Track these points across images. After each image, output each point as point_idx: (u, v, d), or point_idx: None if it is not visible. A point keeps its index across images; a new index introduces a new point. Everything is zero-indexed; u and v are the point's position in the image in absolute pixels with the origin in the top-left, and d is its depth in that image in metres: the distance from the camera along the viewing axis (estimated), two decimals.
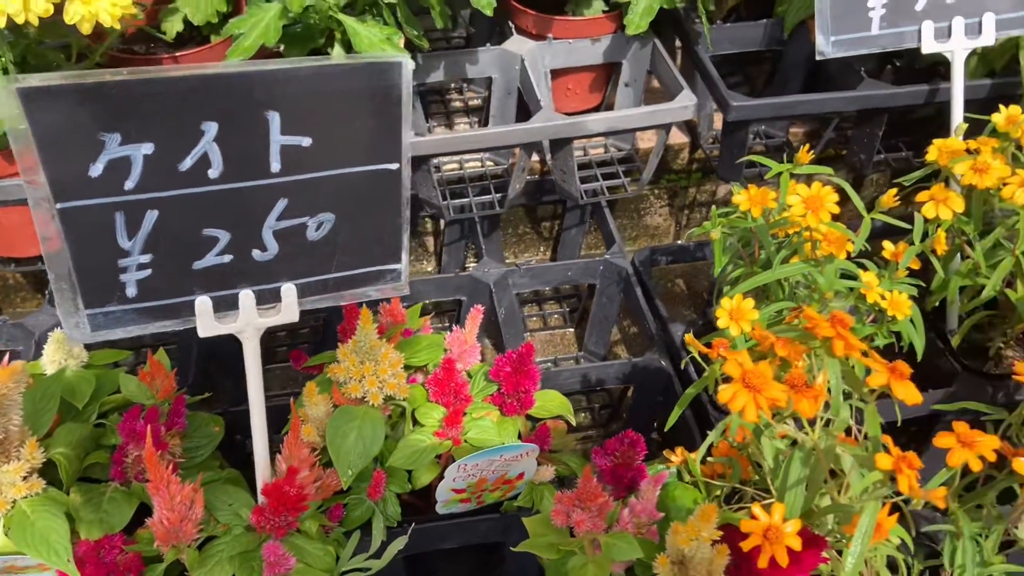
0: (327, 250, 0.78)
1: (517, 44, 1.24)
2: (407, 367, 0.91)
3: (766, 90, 1.47)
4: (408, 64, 0.73)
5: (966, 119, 1.09)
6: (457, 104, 1.50)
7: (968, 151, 0.96)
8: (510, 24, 1.28)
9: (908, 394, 0.65)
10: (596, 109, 1.39)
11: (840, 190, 0.88)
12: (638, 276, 1.21)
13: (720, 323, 0.78)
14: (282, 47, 1.05)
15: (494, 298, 1.18)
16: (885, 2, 1.11)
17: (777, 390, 0.64)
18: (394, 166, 0.77)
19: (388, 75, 0.72)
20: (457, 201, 1.30)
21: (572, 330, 1.43)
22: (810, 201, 0.85)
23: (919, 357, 0.88)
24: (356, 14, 1.04)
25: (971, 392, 0.99)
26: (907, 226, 0.94)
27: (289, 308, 0.78)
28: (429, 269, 1.49)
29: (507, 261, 1.47)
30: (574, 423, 0.95)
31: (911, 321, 0.89)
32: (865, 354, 0.68)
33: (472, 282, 1.20)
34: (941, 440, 0.66)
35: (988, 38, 1.07)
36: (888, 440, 0.67)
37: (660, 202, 1.48)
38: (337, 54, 1.03)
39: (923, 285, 0.95)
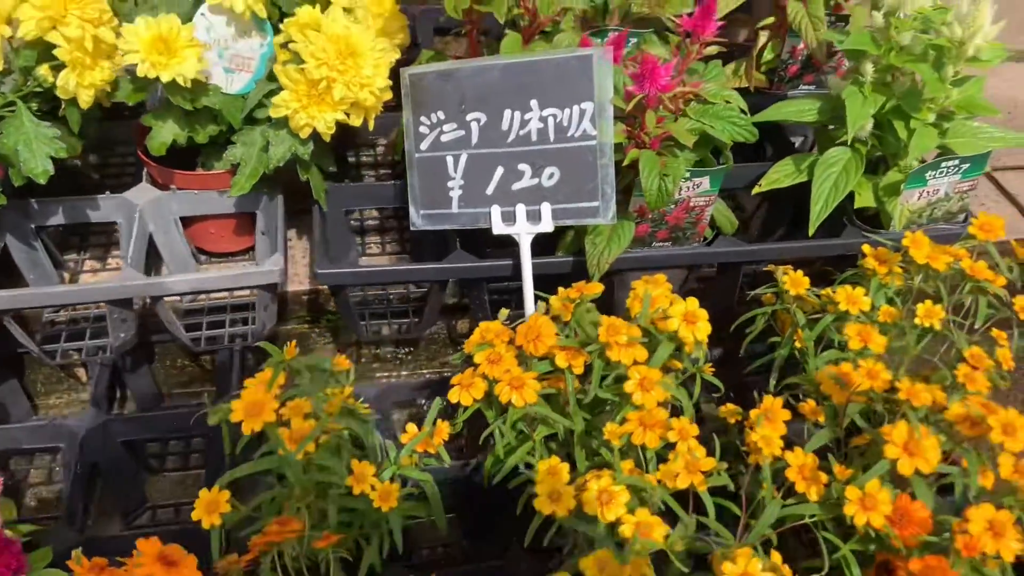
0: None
1: (138, 192, 1.26)
2: None
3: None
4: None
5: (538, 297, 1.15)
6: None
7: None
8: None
9: None
10: (248, 251, 1.42)
11: None
12: None
13: None
14: None
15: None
16: (462, 184, 1.17)
17: None
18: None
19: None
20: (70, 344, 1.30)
21: None
22: None
23: None
24: None
25: None
26: None
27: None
28: (84, 398, 1.48)
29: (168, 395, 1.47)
30: None
31: None
32: None
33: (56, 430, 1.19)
34: None
35: (547, 225, 1.14)
36: None
37: (324, 339, 1.50)
38: None
39: None
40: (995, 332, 1.11)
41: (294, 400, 0.91)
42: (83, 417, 1.20)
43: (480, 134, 1.15)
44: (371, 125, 1.18)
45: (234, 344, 1.32)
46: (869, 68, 1.21)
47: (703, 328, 0.98)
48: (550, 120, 1.12)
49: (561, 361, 0.98)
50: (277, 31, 1.20)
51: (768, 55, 1.55)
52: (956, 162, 1.20)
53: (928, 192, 1.23)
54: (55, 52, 1.01)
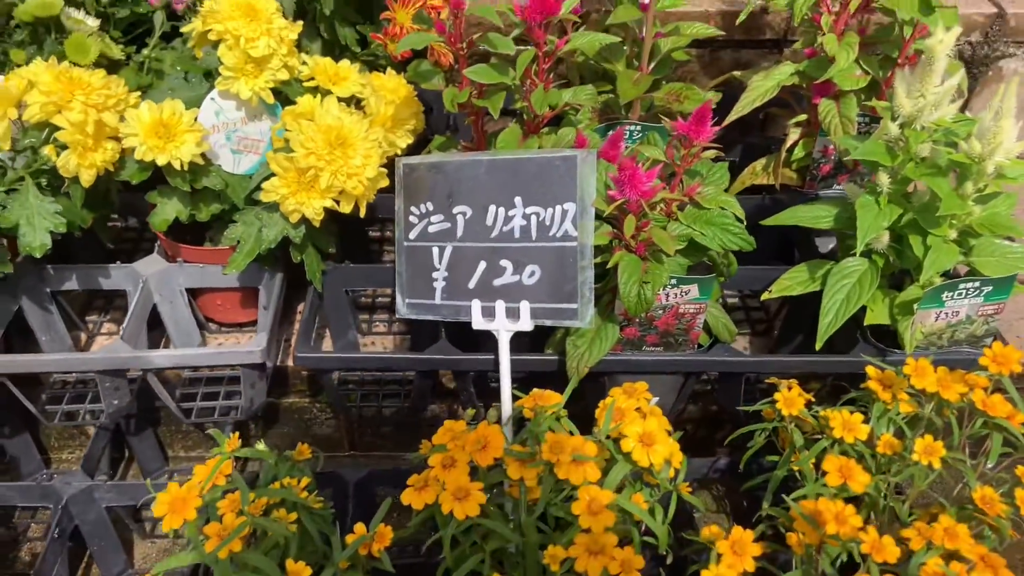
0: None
1: (146, 264, 1.30)
2: None
3: None
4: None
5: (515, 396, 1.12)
6: None
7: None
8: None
9: None
10: (254, 322, 1.44)
11: None
12: None
13: None
14: None
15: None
16: (446, 276, 1.16)
17: None
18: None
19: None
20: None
21: None
22: None
23: None
24: None
25: None
26: None
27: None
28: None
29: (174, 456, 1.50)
30: None
31: None
32: None
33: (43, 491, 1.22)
34: None
35: (526, 324, 1.11)
36: None
37: (324, 414, 1.50)
38: None
39: None
40: (1020, 470, 1.00)
41: (230, 494, 0.90)
42: (70, 480, 1.23)
43: (465, 227, 1.14)
44: (362, 212, 1.19)
45: (227, 417, 1.33)
46: (885, 179, 1.14)
47: (661, 451, 0.92)
48: (533, 218, 1.10)
49: (513, 472, 0.94)
50: None
51: (800, 152, 1.49)
52: (977, 284, 1.11)
53: (947, 313, 1.14)
54: (57, 135, 1.06)
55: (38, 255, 1.11)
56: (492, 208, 1.12)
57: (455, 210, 1.14)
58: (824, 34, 1.37)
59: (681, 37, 1.40)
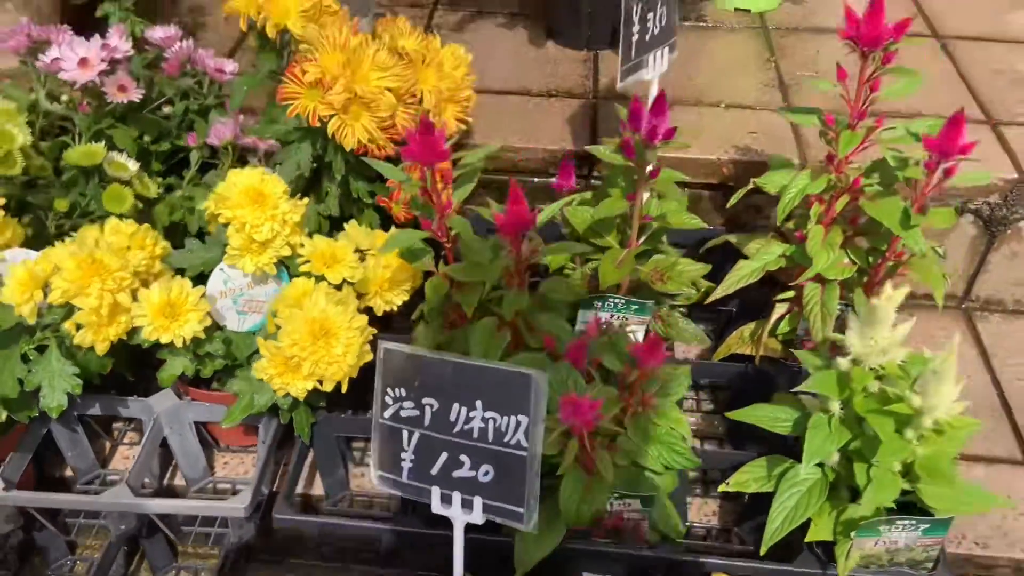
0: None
1: (159, 399, 1.44)
2: None
3: None
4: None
5: None
6: None
7: None
8: None
9: None
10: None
11: None
12: None
13: None
14: None
15: None
16: (412, 458, 1.25)
17: None
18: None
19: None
20: None
21: None
22: None
23: None
24: None
25: None
26: None
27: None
28: None
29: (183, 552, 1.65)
30: None
31: None
32: None
33: None
34: None
35: (478, 518, 1.20)
36: None
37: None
38: None
39: None
40: None
41: None
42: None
43: (432, 418, 1.23)
44: (344, 388, 1.29)
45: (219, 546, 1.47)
46: (836, 406, 1.18)
47: None
48: (491, 422, 1.18)
49: None
50: None
51: (785, 327, 1.53)
52: (913, 522, 1.14)
53: (885, 542, 1.18)
54: (75, 317, 1.20)
55: (55, 415, 1.25)
56: (455, 406, 1.20)
57: (424, 400, 1.23)
58: (813, 224, 1.41)
59: (670, 216, 1.46)
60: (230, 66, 1.65)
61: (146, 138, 1.60)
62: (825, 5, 2.35)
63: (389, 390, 1.26)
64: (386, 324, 1.49)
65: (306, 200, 1.35)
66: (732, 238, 1.57)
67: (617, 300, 1.43)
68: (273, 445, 1.42)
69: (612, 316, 1.47)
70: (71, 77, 1.43)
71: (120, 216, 1.43)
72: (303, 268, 1.31)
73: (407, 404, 1.25)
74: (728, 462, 1.35)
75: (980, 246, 1.82)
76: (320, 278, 1.30)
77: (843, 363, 1.15)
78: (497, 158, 1.80)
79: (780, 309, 1.51)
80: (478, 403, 1.19)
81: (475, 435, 1.20)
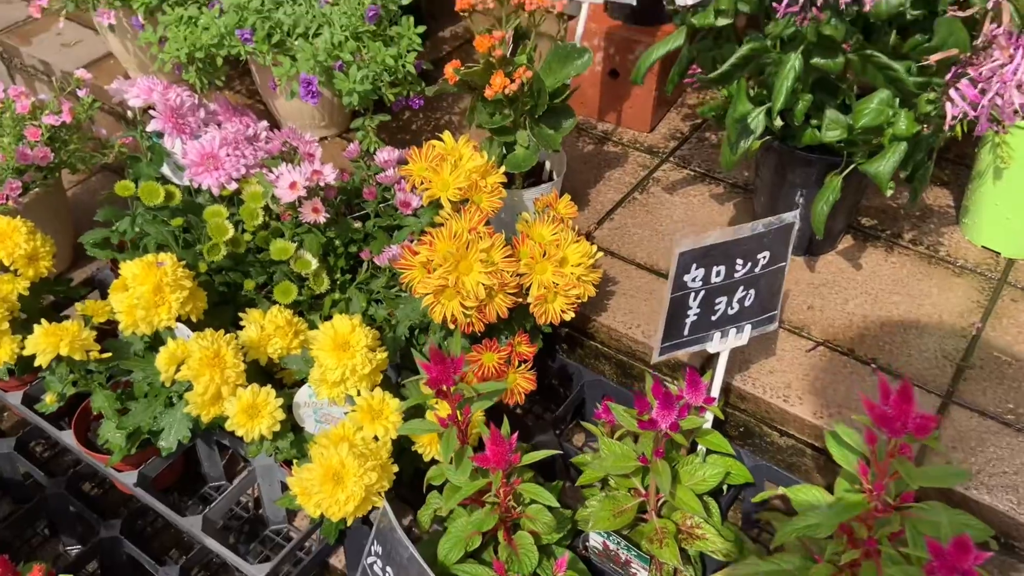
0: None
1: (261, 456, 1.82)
2: None
3: None
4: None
5: None
6: None
7: None
8: None
9: None
10: None
11: None
12: None
13: None
14: None
15: None
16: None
17: None
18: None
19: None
20: None
21: None
22: None
23: None
24: None
25: None
26: None
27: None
28: None
29: None
30: None
31: None
32: None
33: None
34: None
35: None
36: None
37: None
38: None
39: None
40: None
41: None
42: None
43: None
44: (349, 522, 1.54)
45: None
46: None
47: None
48: None
49: None
50: None
51: None
52: None
53: None
54: (185, 409, 1.59)
55: (164, 454, 1.68)
56: None
57: None
58: None
59: None
60: (415, 202, 1.94)
61: (337, 242, 1.96)
62: None
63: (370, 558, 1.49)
64: None
65: (384, 355, 1.60)
66: None
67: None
68: None
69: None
70: (280, 195, 1.83)
71: (285, 305, 1.82)
72: (349, 416, 1.57)
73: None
74: None
75: None
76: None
77: None
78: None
79: None
80: None
81: None
